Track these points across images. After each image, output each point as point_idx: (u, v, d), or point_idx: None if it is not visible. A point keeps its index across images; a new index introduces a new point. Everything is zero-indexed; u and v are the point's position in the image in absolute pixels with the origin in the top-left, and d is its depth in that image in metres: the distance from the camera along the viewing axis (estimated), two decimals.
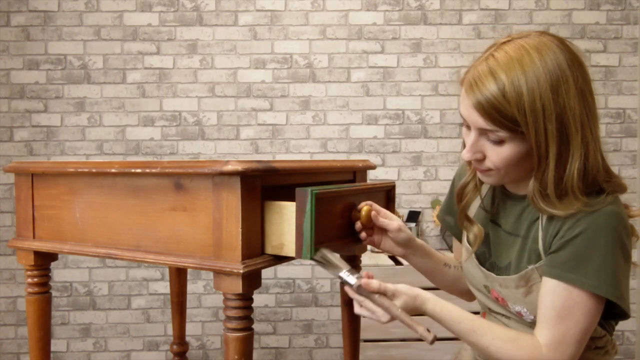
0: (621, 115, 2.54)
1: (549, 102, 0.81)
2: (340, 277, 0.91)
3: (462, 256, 1.10)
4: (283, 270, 2.52)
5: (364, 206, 1.04)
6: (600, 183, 0.87)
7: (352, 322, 1.48)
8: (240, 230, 0.93)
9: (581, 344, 0.85)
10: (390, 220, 1.06)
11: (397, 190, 2.50)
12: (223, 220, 0.95)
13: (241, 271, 0.93)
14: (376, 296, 0.88)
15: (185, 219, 1.01)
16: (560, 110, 0.81)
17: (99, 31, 2.48)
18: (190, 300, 2.47)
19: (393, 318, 0.89)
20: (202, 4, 2.48)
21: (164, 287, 2.50)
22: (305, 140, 2.52)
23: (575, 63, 0.85)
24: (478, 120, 0.85)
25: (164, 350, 2.53)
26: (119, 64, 2.49)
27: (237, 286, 0.95)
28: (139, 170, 1.05)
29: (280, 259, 1.00)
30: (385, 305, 0.88)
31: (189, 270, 2.29)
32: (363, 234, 1.06)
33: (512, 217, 0.98)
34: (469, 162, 1.00)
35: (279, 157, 2.53)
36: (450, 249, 2.42)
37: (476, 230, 1.00)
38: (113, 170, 1.09)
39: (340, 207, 1.02)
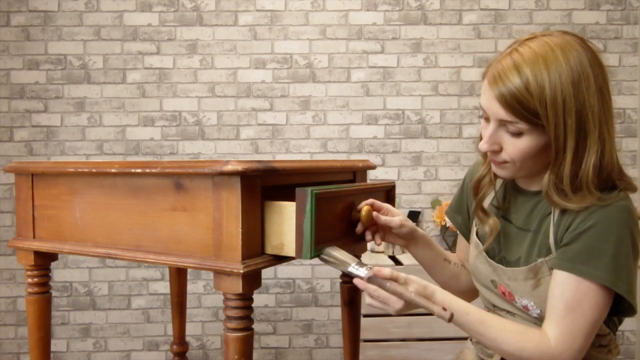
0: (621, 115, 2.54)
1: (570, 97, 0.82)
2: (349, 272, 0.91)
3: (469, 254, 1.10)
4: (283, 270, 2.52)
5: (364, 206, 1.04)
6: (613, 180, 0.89)
7: (352, 322, 1.48)
8: (240, 230, 0.93)
9: (589, 337, 0.86)
10: (392, 217, 1.06)
11: (397, 190, 2.50)
12: (223, 220, 0.95)
13: (241, 271, 0.93)
14: (388, 283, 0.88)
15: (185, 219, 1.01)
16: (580, 105, 0.83)
17: (99, 31, 2.48)
18: (190, 300, 2.47)
19: (407, 303, 0.90)
20: (202, 4, 2.48)
21: (164, 287, 2.50)
22: (305, 140, 2.52)
23: (596, 62, 0.87)
24: (499, 112, 0.86)
25: (164, 350, 2.53)
26: (119, 64, 2.49)
27: (237, 286, 0.95)
28: (139, 170, 1.05)
29: (280, 259, 1.00)
30: (399, 291, 0.88)
31: (189, 270, 2.29)
32: (368, 236, 1.07)
33: (523, 213, 0.99)
34: (485, 156, 1.01)
35: (279, 157, 2.53)
36: (450, 249, 2.42)
37: (492, 222, 1.01)
38: (113, 170, 1.09)
39: (340, 207, 1.02)
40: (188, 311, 2.41)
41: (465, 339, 1.20)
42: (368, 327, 2.12)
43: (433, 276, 1.18)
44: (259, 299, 2.52)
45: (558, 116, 0.83)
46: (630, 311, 0.89)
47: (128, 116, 2.50)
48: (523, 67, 0.84)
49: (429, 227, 2.54)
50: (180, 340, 1.94)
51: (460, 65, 2.51)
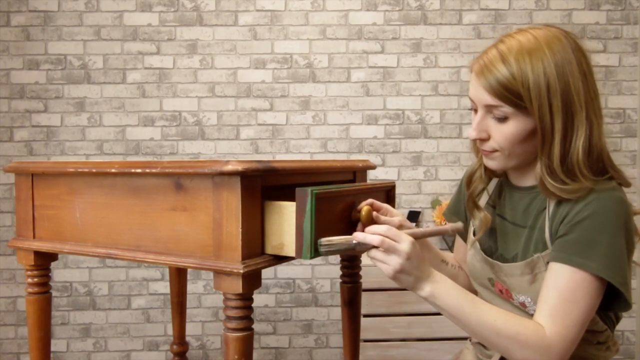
0: (621, 115, 2.54)
1: (553, 79, 0.85)
2: (357, 245, 0.89)
3: (466, 255, 1.11)
4: (283, 270, 2.52)
5: (364, 206, 1.04)
6: (605, 164, 0.90)
7: (352, 322, 1.48)
8: (240, 230, 0.93)
9: (581, 329, 0.85)
10: (392, 218, 1.07)
11: (397, 190, 2.50)
12: (223, 220, 0.95)
13: (241, 271, 0.93)
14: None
15: (185, 219, 1.01)
16: (564, 86, 0.86)
17: (99, 31, 2.48)
18: (190, 300, 2.47)
19: (416, 237, 0.91)
20: (202, 4, 2.48)
21: (164, 287, 2.50)
22: (305, 140, 2.52)
23: (579, 50, 0.90)
24: (484, 97, 0.89)
25: (164, 350, 2.53)
26: (119, 64, 2.49)
27: (237, 286, 0.95)
28: (139, 170, 1.05)
29: (280, 259, 1.00)
30: (406, 230, 0.91)
31: (189, 270, 2.29)
32: None
33: (519, 209, 0.99)
34: (476, 149, 1.01)
35: (279, 157, 2.53)
36: (450, 249, 2.42)
37: (482, 216, 1.02)
38: (113, 170, 1.09)
39: (340, 207, 1.02)
40: (188, 311, 2.41)
41: (464, 339, 1.21)
42: (368, 327, 2.12)
43: None
44: (259, 299, 2.52)
45: (542, 97, 0.85)
46: (625, 306, 0.89)
47: (128, 116, 2.50)
48: (508, 56, 0.87)
49: (429, 227, 2.54)
50: (180, 340, 1.94)
51: (460, 65, 2.51)
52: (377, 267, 0.90)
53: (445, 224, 2.41)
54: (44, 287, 1.30)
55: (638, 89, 2.53)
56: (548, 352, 0.83)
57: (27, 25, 2.47)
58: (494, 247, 1.04)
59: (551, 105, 0.85)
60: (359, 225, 1.05)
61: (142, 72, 2.49)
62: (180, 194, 1.02)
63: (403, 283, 0.88)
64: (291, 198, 0.94)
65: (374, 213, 1.06)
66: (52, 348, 2.41)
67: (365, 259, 2.20)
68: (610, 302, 0.90)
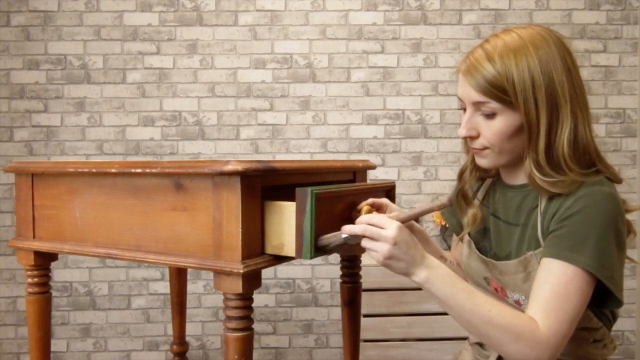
0: (621, 115, 2.54)
1: (537, 74, 0.88)
2: (348, 238, 0.89)
3: (462, 254, 1.11)
4: (283, 270, 2.52)
5: (364, 206, 1.04)
6: (593, 160, 0.91)
7: (352, 322, 1.48)
8: (240, 230, 0.93)
9: (573, 324, 0.85)
10: (390, 213, 1.07)
11: (397, 190, 2.50)
12: (223, 220, 0.95)
13: (241, 271, 0.93)
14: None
15: (185, 219, 1.01)
16: (548, 81, 0.88)
17: (99, 31, 2.48)
18: (190, 300, 2.47)
19: (403, 221, 0.91)
20: (202, 4, 2.48)
21: (164, 287, 2.50)
22: (305, 140, 2.52)
23: (562, 47, 0.92)
24: (471, 94, 0.91)
25: (164, 350, 2.53)
26: (119, 64, 2.49)
27: (237, 286, 0.95)
28: (139, 170, 1.05)
29: (280, 259, 1.00)
30: (394, 214, 0.91)
31: (189, 270, 2.29)
32: None
33: (512, 208, 1.00)
34: (467, 148, 1.02)
35: (279, 157, 2.53)
36: (450, 249, 2.42)
37: (472, 213, 1.03)
38: (113, 170, 1.09)
39: (340, 207, 1.02)
40: (188, 311, 2.41)
41: (464, 339, 1.21)
42: (368, 327, 2.12)
43: None
44: (259, 299, 2.52)
45: (527, 92, 0.87)
46: (616, 303, 0.89)
47: (128, 116, 2.50)
48: (493, 55, 0.90)
49: (429, 227, 2.54)
50: (180, 340, 1.94)
51: None
52: (375, 261, 0.89)
53: (445, 224, 2.40)
54: (44, 287, 1.30)
55: (638, 89, 2.53)
56: (540, 346, 0.83)
57: (27, 25, 2.47)
58: (487, 245, 1.05)
59: (536, 99, 0.87)
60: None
61: (142, 72, 2.49)
62: (180, 194, 1.02)
63: (395, 269, 0.87)
64: (291, 198, 0.94)
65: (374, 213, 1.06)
66: (52, 348, 2.41)
67: (365, 259, 2.20)
68: (602, 298, 0.90)
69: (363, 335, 2.06)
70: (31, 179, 1.26)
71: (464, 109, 0.96)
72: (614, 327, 1.01)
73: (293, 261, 2.33)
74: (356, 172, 1.37)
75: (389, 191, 1.25)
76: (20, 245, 1.27)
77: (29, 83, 2.48)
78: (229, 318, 0.97)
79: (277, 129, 2.51)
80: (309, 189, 0.90)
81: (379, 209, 1.08)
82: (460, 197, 1.06)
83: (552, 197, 0.91)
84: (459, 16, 2.51)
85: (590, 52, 2.51)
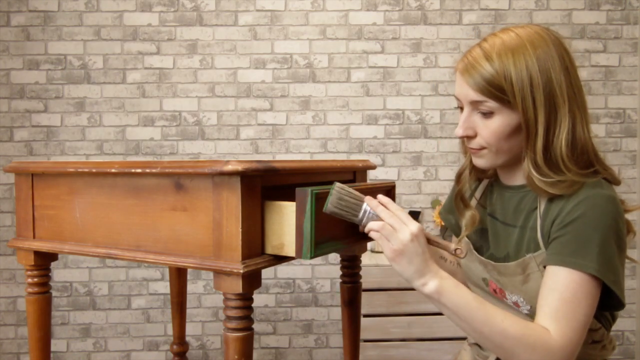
0: (621, 115, 2.54)
1: (536, 73, 0.87)
2: (365, 216, 0.88)
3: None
4: (283, 270, 2.52)
5: None
6: (591, 161, 0.91)
7: (352, 322, 1.48)
8: (240, 230, 0.93)
9: (584, 330, 0.85)
10: None
11: (397, 190, 2.50)
12: (223, 220, 0.95)
13: (241, 271, 0.93)
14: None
15: (185, 219, 1.01)
16: (546, 80, 0.87)
17: (99, 31, 2.48)
18: (190, 300, 2.47)
19: (419, 232, 0.89)
20: (202, 4, 2.48)
21: (164, 287, 2.50)
22: (305, 140, 2.52)
23: (561, 46, 0.91)
24: (469, 93, 0.91)
25: (164, 350, 2.53)
26: (119, 64, 2.49)
27: (237, 286, 0.95)
28: (139, 170, 1.05)
29: (280, 259, 1.00)
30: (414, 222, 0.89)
31: (189, 270, 2.29)
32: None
33: (509, 209, 1.00)
34: (465, 148, 1.02)
35: (279, 157, 2.53)
36: None
37: (470, 214, 1.03)
38: (113, 170, 1.09)
39: None
40: (188, 311, 2.41)
41: (464, 339, 1.21)
42: (368, 327, 2.12)
43: None
44: (259, 299, 2.52)
45: (525, 91, 0.87)
46: (618, 305, 0.89)
47: (128, 116, 2.50)
48: (491, 54, 0.89)
49: (429, 227, 2.54)
50: (180, 340, 1.94)
51: None
52: (385, 253, 0.87)
53: (443, 224, 2.41)
54: (44, 287, 1.30)
55: (638, 89, 2.53)
56: (555, 354, 0.82)
57: (27, 25, 2.47)
58: (485, 246, 1.04)
59: (534, 98, 0.87)
60: (360, 226, 1.05)
61: (142, 72, 2.49)
62: (180, 194, 1.02)
63: (403, 268, 0.86)
64: (291, 198, 0.94)
65: None
66: (52, 348, 2.41)
67: (365, 259, 2.20)
68: (604, 301, 0.90)
69: (363, 335, 2.06)
70: (31, 179, 1.26)
71: (461, 108, 0.95)
72: (614, 327, 1.01)
73: (293, 261, 2.33)
74: (356, 172, 1.37)
75: (389, 191, 1.25)
76: (20, 245, 1.27)
77: (29, 83, 2.48)
78: (229, 318, 0.97)
79: (277, 129, 2.51)
80: (309, 189, 0.90)
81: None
82: (459, 199, 1.06)
83: (551, 199, 0.90)
84: (459, 16, 2.51)
85: (590, 52, 2.51)
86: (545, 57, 0.88)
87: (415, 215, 2.48)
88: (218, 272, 0.96)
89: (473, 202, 1.07)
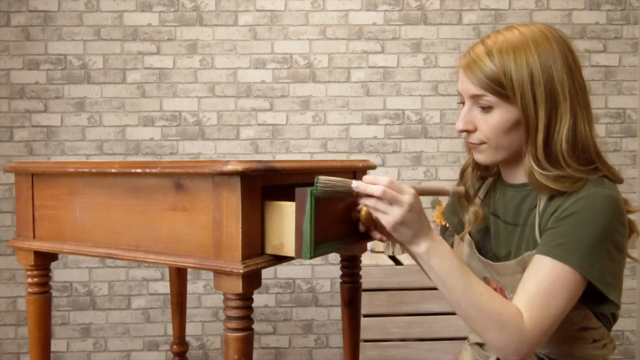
0: (621, 115, 2.54)
1: (537, 70, 0.88)
2: (355, 188, 0.87)
3: (463, 253, 1.11)
4: (283, 270, 2.53)
5: (364, 206, 1.04)
6: (592, 157, 0.91)
7: (352, 322, 1.48)
8: (240, 230, 0.93)
9: (557, 321, 0.85)
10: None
11: None
12: (223, 220, 0.95)
13: (241, 271, 0.93)
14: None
15: (185, 219, 1.01)
16: (548, 77, 0.88)
17: (99, 31, 2.48)
18: (190, 300, 2.47)
19: (419, 193, 0.89)
20: (202, 4, 2.48)
21: (164, 287, 2.50)
22: (305, 140, 2.52)
23: (564, 44, 0.92)
24: (469, 87, 0.92)
25: (164, 350, 2.53)
26: (119, 64, 2.49)
27: (237, 286, 0.95)
28: (139, 170, 1.05)
29: (280, 259, 1.00)
30: (410, 184, 0.90)
31: (189, 270, 2.29)
32: (377, 235, 1.06)
33: (511, 208, 1.00)
34: (468, 145, 1.02)
35: (279, 157, 2.53)
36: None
37: (473, 210, 1.03)
38: (113, 170, 1.09)
39: (340, 207, 1.02)
40: (188, 311, 2.41)
41: (464, 339, 1.21)
42: (368, 327, 2.12)
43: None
44: (259, 299, 2.52)
45: (525, 87, 0.88)
46: (612, 306, 0.89)
47: (128, 116, 2.50)
48: (493, 50, 0.91)
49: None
50: (180, 340, 1.94)
51: None
52: (385, 224, 0.86)
53: (446, 224, 2.41)
54: (44, 287, 1.30)
55: (638, 89, 2.53)
56: (522, 337, 0.83)
57: (27, 25, 2.47)
58: (488, 246, 1.05)
59: (534, 95, 0.88)
60: (360, 226, 1.05)
61: (142, 72, 2.49)
62: (180, 194, 1.02)
63: (401, 235, 0.86)
64: (291, 198, 0.94)
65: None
66: (52, 348, 2.41)
67: (365, 259, 2.20)
68: (599, 301, 0.90)
69: (363, 335, 2.06)
70: (31, 179, 1.26)
71: (463, 103, 0.97)
72: (614, 327, 1.01)
73: (293, 261, 2.33)
74: (356, 172, 1.37)
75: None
76: (20, 245, 1.27)
77: (29, 83, 2.48)
78: (229, 318, 0.97)
79: (277, 129, 2.51)
80: (308, 189, 0.90)
81: None
82: (462, 197, 1.06)
83: (552, 196, 0.90)
84: (459, 16, 2.51)
85: (590, 52, 2.51)
86: (547, 55, 0.89)
87: None
88: (218, 272, 0.96)
89: (477, 200, 1.08)
